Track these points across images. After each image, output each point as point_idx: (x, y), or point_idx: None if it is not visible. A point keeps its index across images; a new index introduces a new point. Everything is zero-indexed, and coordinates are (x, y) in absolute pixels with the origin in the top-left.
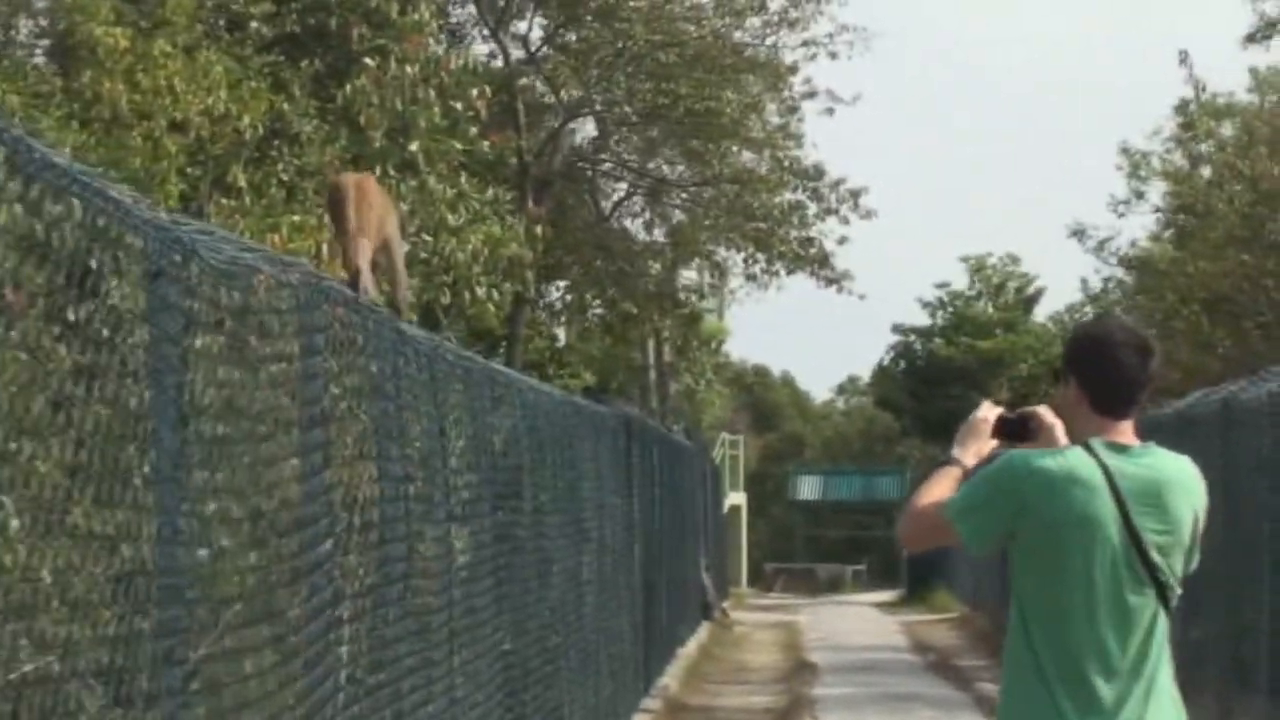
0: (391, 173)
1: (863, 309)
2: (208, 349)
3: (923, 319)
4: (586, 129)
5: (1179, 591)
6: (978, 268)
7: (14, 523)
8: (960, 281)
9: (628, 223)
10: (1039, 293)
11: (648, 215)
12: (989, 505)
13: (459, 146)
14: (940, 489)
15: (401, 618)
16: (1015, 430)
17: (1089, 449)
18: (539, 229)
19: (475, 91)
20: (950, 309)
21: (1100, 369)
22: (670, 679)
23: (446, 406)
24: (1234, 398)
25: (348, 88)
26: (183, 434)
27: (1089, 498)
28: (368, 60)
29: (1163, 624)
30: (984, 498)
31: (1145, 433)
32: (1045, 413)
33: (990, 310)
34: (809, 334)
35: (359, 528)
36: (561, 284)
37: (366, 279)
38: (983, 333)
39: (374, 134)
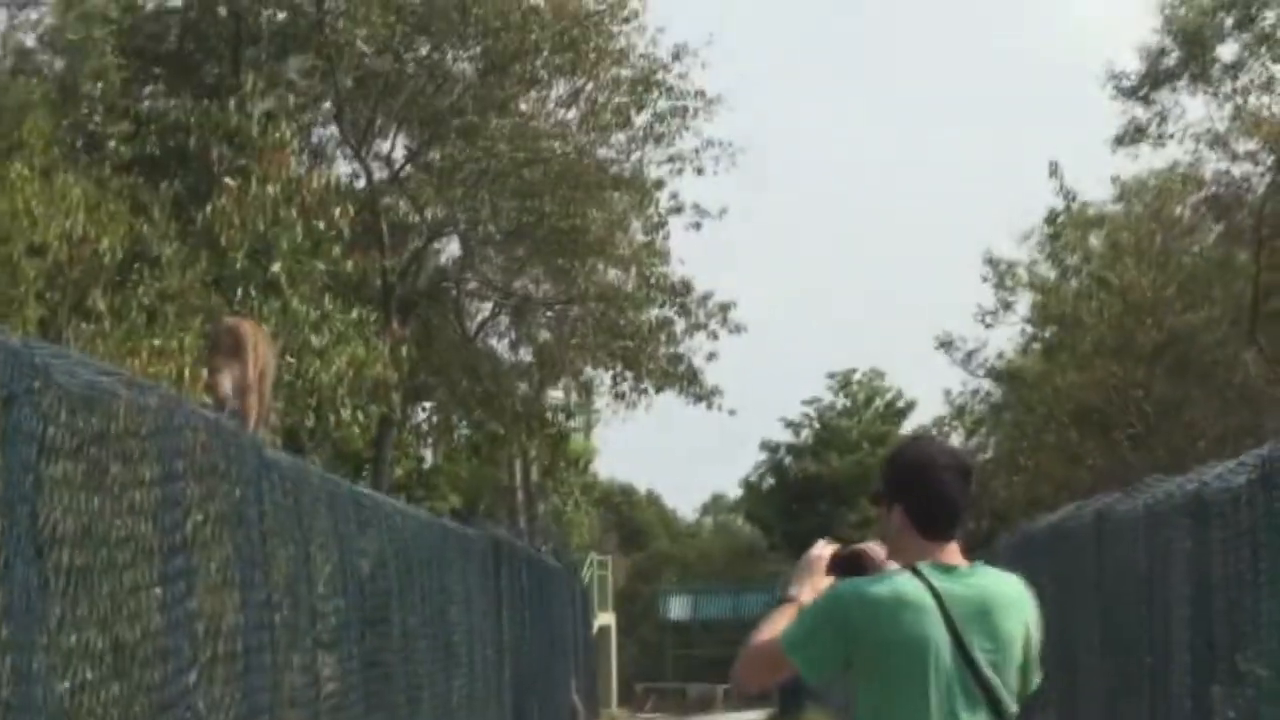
0: (253, 294)
1: (728, 425)
2: (64, 476)
3: (789, 436)
4: (451, 248)
5: (1014, 708)
6: (844, 383)
7: None
8: (828, 396)
9: (494, 342)
10: (909, 406)
11: (513, 335)
12: (820, 635)
13: (322, 266)
14: (778, 626)
15: None
16: (848, 567)
17: (916, 572)
18: (404, 350)
19: (338, 210)
20: (818, 425)
21: (924, 493)
22: None
23: (312, 531)
24: (1108, 510)
25: (208, 208)
26: (38, 565)
27: (918, 620)
28: (228, 180)
29: None
30: (814, 628)
31: (1018, 548)
32: (876, 549)
33: (858, 424)
34: (674, 451)
35: (223, 657)
36: (428, 405)
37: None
38: (851, 448)
39: (235, 255)
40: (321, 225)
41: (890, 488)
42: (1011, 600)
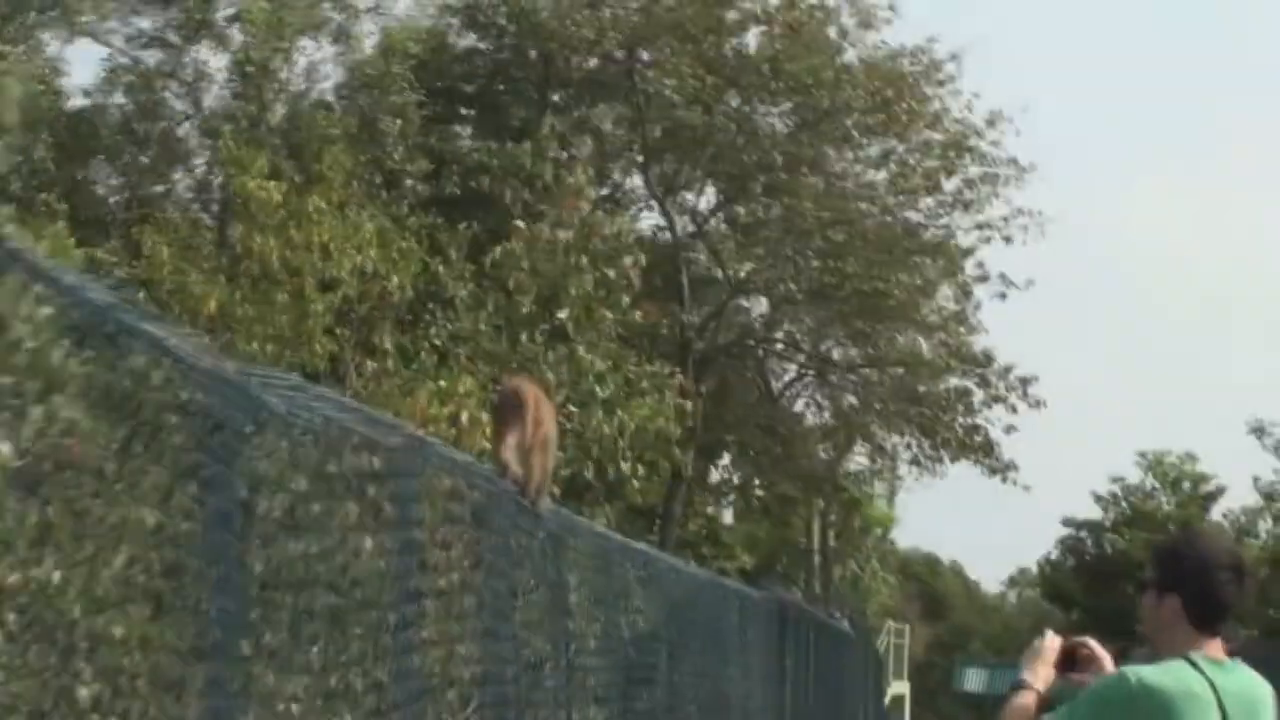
0: (539, 340)
1: (1033, 501)
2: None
3: (1094, 512)
4: (758, 306)
5: None
6: (1155, 463)
7: None
8: (1133, 476)
9: (798, 405)
10: (1220, 490)
11: (818, 398)
12: (1102, 718)
13: (610, 316)
14: (1022, 710)
15: None
16: (1067, 661)
17: (1192, 664)
18: (689, 405)
19: (629, 260)
20: (1125, 504)
21: (1205, 587)
22: None
23: (571, 583)
24: None
25: (497, 250)
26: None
27: (1200, 713)
28: (519, 223)
29: None
30: (1095, 712)
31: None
32: (1093, 644)
33: (1167, 507)
34: (978, 524)
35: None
36: (722, 463)
37: (545, 497)
38: (1157, 529)
39: (523, 299)
40: (612, 274)
41: (1168, 577)
42: (1268, 698)
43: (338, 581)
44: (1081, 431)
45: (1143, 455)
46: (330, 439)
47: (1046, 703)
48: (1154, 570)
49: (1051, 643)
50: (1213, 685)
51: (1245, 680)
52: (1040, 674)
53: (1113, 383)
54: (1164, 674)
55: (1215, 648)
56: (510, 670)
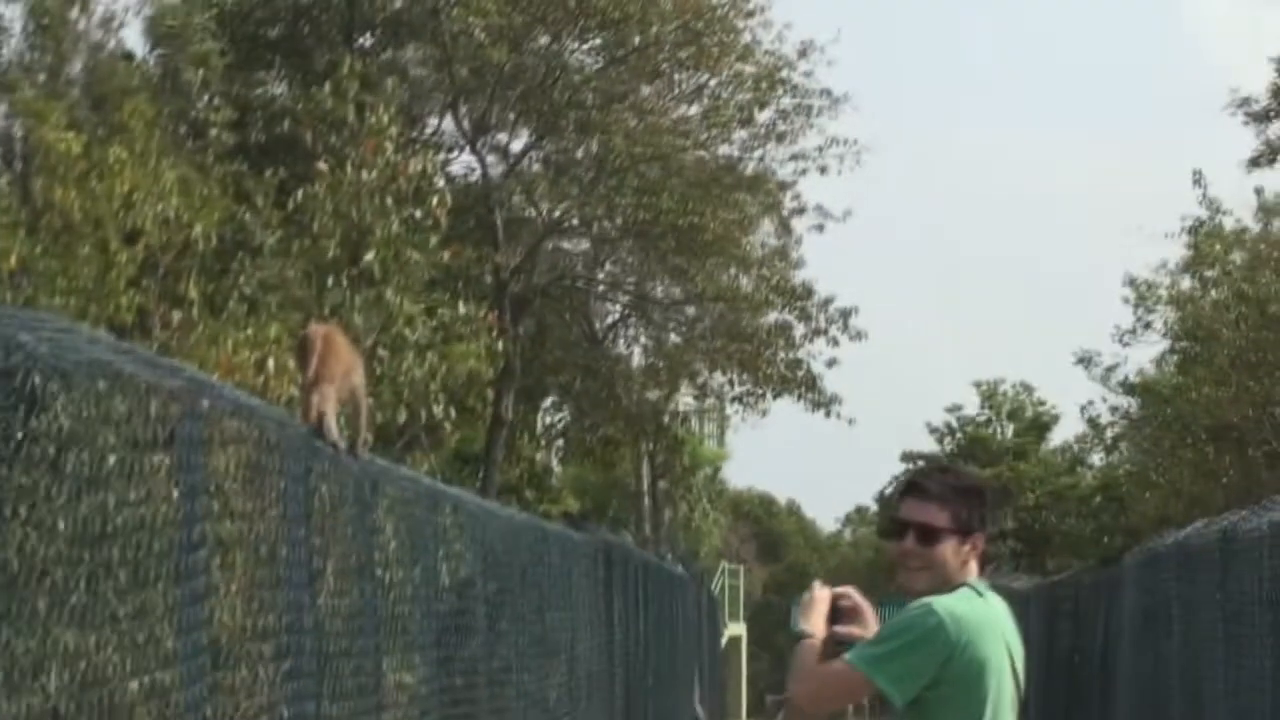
0: (345, 284)
1: (874, 438)
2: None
3: (932, 445)
4: (579, 246)
5: None
6: (989, 394)
7: None
8: (971, 406)
9: (622, 346)
10: (1054, 419)
11: (642, 337)
12: (911, 654)
13: (418, 258)
14: (813, 658)
15: None
16: (833, 613)
17: (977, 592)
18: (500, 345)
19: (435, 200)
20: (961, 434)
21: (999, 523)
22: None
23: (376, 530)
24: (1234, 528)
25: (299, 193)
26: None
27: (996, 639)
28: (320, 165)
29: None
30: (902, 647)
31: (1144, 566)
32: (855, 595)
33: (1003, 436)
34: (816, 463)
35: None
36: (545, 406)
37: (330, 424)
38: (993, 459)
39: (328, 243)
40: (418, 215)
41: (975, 519)
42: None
43: (115, 532)
44: (918, 365)
45: (977, 385)
46: (99, 382)
47: (830, 649)
48: (960, 515)
49: (822, 593)
50: (994, 610)
51: (1003, 604)
52: (817, 622)
53: (944, 314)
54: (963, 602)
55: (976, 573)
56: (308, 619)
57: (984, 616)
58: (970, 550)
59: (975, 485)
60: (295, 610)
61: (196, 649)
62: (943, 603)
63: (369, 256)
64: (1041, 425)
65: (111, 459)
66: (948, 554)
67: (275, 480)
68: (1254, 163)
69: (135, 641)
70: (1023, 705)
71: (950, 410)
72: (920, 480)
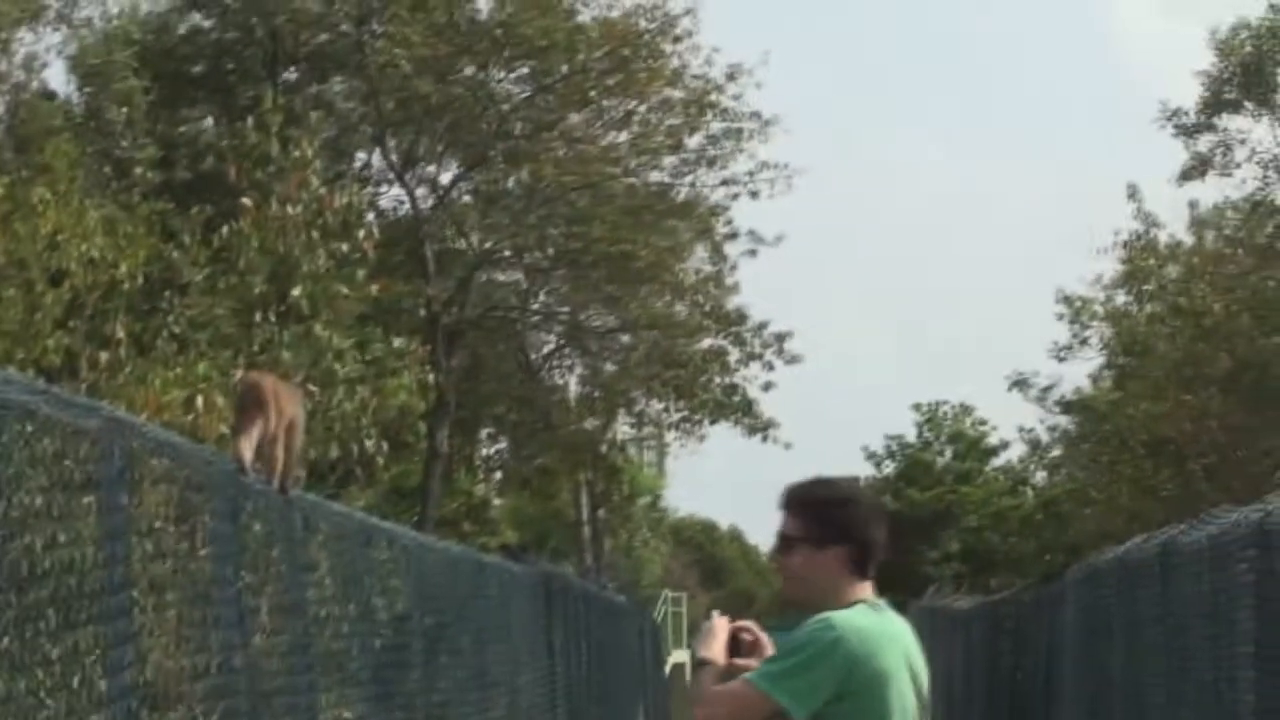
0: (273, 319)
1: (814, 463)
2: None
3: (868, 470)
4: (512, 277)
5: None
6: (929, 416)
7: None
8: (910, 433)
9: (558, 377)
10: (1002, 445)
11: (578, 368)
12: (811, 668)
13: (345, 291)
14: (712, 681)
15: None
16: (731, 645)
17: (871, 607)
18: (432, 378)
19: (362, 233)
20: (900, 458)
21: (865, 537)
22: None
23: (314, 568)
24: (1173, 542)
25: (224, 229)
26: None
27: (894, 651)
28: (244, 200)
29: None
30: (803, 662)
31: (1084, 582)
32: (755, 629)
33: (944, 459)
34: (756, 489)
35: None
36: (480, 439)
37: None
38: (935, 483)
39: (254, 279)
40: (345, 248)
41: (829, 530)
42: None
43: (35, 574)
44: (857, 388)
45: (917, 407)
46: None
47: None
48: (812, 525)
49: (720, 622)
50: (894, 626)
51: (902, 621)
52: (716, 650)
53: (881, 337)
54: (860, 616)
55: (871, 591)
56: (239, 659)
57: (884, 630)
58: (834, 562)
59: (834, 496)
60: (226, 650)
61: (123, 691)
62: (840, 616)
63: (296, 292)
64: (984, 450)
65: (38, 500)
66: (801, 564)
67: (203, 518)
68: (1185, 176)
69: (66, 685)
70: None
71: (891, 438)
72: (786, 492)
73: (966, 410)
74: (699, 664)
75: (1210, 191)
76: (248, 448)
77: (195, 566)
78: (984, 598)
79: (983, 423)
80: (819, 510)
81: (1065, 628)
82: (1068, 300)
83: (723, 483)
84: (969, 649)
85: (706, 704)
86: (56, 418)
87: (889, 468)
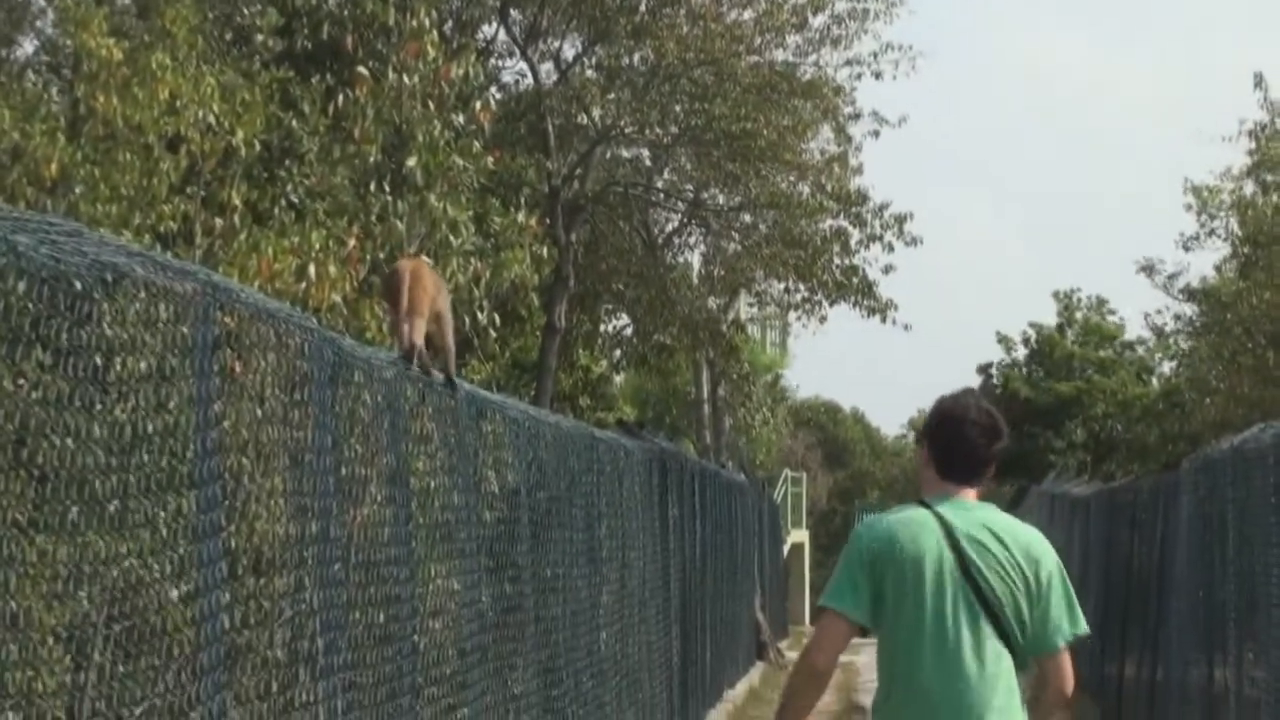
0: (387, 191)
1: (937, 348)
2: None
3: (998, 353)
4: (636, 154)
5: (1020, 632)
6: (1066, 305)
7: None
8: (1047, 316)
9: (683, 255)
10: (1139, 341)
11: (701, 247)
12: (845, 569)
13: (460, 163)
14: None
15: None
16: None
17: (925, 505)
18: (546, 252)
19: (478, 104)
20: (1034, 344)
21: (949, 443)
22: None
23: (423, 439)
24: None
25: (339, 98)
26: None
27: (918, 535)
28: (361, 70)
29: (1005, 659)
30: (842, 566)
31: (1201, 471)
32: None
33: (1072, 347)
34: (881, 372)
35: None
36: (600, 315)
37: (421, 353)
38: (1070, 373)
39: (369, 149)
40: (461, 120)
41: (924, 431)
42: (1017, 535)
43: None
44: (983, 277)
45: (1056, 294)
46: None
47: None
48: (922, 429)
49: None
50: (939, 516)
51: (985, 516)
52: None
53: (1005, 225)
54: (888, 514)
55: (962, 494)
56: (334, 529)
57: (909, 520)
58: (923, 460)
59: (934, 407)
60: (325, 518)
61: (213, 556)
62: (868, 518)
63: (411, 162)
64: (1111, 336)
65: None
66: (917, 460)
67: (305, 387)
68: None
69: (169, 547)
70: (1086, 611)
71: (1033, 325)
72: None
73: (1101, 302)
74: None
75: None
76: (418, 336)
77: (299, 435)
78: (1103, 485)
79: (1113, 312)
80: (928, 415)
81: (1181, 517)
82: (1195, 190)
83: (847, 365)
84: (1085, 535)
85: (805, 648)
86: (152, 281)
87: (1019, 352)
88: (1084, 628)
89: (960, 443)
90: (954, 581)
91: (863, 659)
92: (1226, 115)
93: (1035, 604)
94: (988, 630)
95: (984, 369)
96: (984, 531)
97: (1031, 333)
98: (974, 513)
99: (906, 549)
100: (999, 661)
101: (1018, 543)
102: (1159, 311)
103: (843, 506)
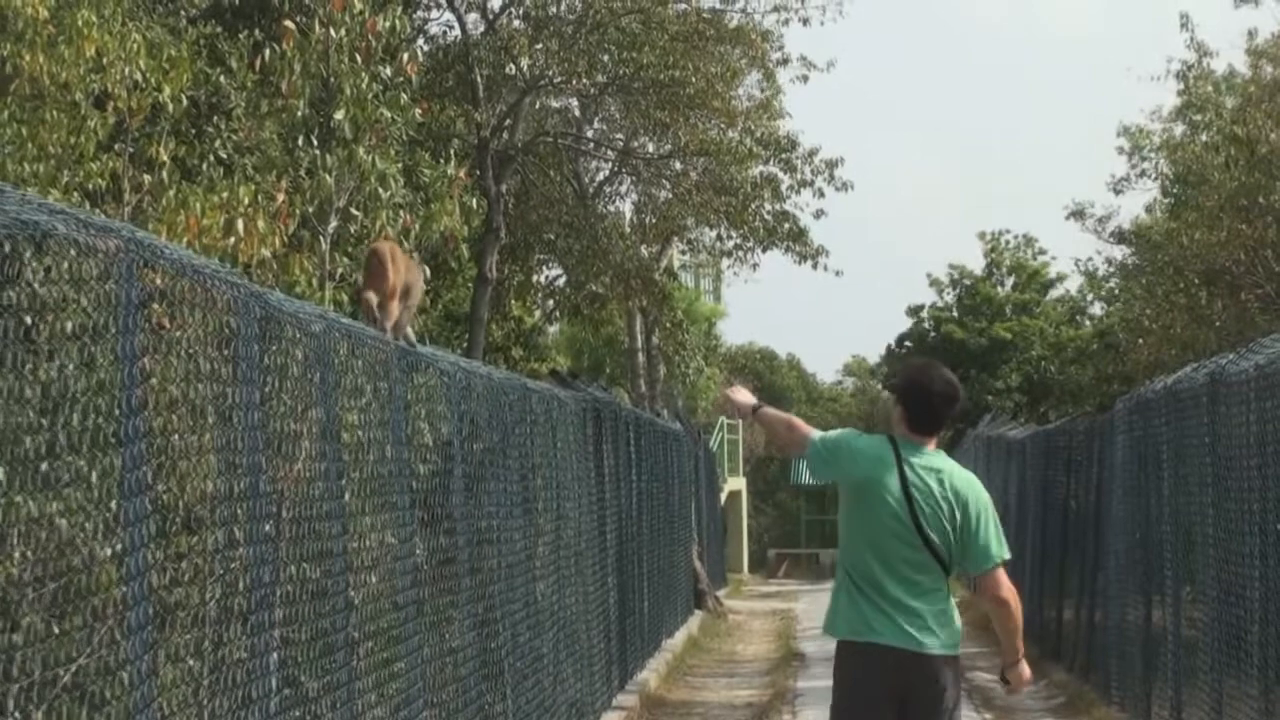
0: (315, 145)
1: (870, 292)
2: None
3: (930, 296)
4: (565, 104)
5: (948, 556)
6: (992, 246)
7: None
8: (973, 259)
9: (613, 204)
10: (1060, 277)
11: (632, 196)
12: (826, 458)
13: (388, 115)
14: (799, 425)
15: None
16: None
17: (891, 440)
18: (475, 203)
19: (405, 56)
20: (962, 287)
21: (916, 406)
22: (650, 673)
23: (355, 393)
24: (1221, 371)
25: (266, 53)
26: None
27: (877, 464)
28: (287, 23)
29: (934, 564)
30: (823, 452)
31: (1135, 411)
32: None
33: (1002, 290)
34: (815, 317)
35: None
36: (531, 265)
37: (409, 334)
38: (998, 315)
39: (296, 103)
40: (388, 72)
41: (898, 391)
42: (960, 477)
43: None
44: (914, 221)
45: (981, 236)
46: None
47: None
48: (894, 382)
49: (736, 388)
50: (895, 449)
51: (936, 460)
52: (750, 398)
53: (936, 169)
54: (864, 439)
55: (923, 441)
56: (264, 485)
57: (881, 443)
58: (895, 413)
59: (905, 370)
60: (255, 473)
61: (140, 514)
62: (852, 433)
63: (339, 115)
64: (1044, 281)
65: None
66: (891, 412)
67: (233, 343)
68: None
69: (96, 505)
70: (1023, 553)
71: (954, 267)
72: None
73: (1029, 241)
74: (755, 409)
75: (1266, 19)
76: (375, 300)
77: (228, 391)
78: (1038, 427)
79: (1043, 252)
80: (899, 376)
81: (1116, 458)
82: (1127, 132)
83: (782, 312)
84: (1022, 478)
85: (791, 431)
86: (74, 238)
87: (950, 296)
88: (1007, 554)
89: (926, 409)
90: (897, 500)
91: (800, 606)
92: (1156, 57)
93: (964, 533)
94: (918, 540)
95: (914, 310)
96: (929, 471)
97: (955, 274)
98: (926, 457)
99: (866, 471)
100: (929, 568)
101: (953, 483)
102: (1089, 259)
103: (779, 453)
